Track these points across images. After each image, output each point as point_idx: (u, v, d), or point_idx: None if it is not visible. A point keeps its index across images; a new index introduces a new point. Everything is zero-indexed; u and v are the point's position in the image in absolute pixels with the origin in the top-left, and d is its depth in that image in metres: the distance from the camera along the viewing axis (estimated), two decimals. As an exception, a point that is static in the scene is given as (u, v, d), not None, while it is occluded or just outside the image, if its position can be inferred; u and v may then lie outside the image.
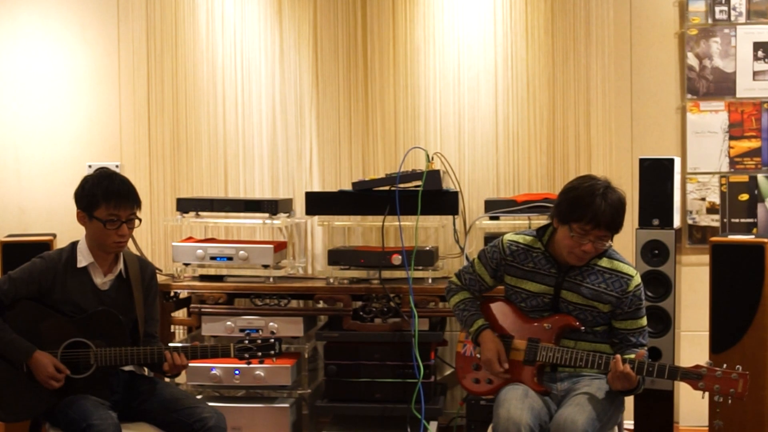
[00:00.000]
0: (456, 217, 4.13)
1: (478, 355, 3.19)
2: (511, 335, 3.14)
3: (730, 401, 2.81)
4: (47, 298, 3.11)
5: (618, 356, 2.90)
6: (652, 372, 2.87)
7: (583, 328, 3.06)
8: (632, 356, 2.92)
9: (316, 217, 4.35)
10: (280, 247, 4.16)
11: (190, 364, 3.21)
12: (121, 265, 3.22)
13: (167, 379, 3.29)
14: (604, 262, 3.08)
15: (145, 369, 3.36)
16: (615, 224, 2.96)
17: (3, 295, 3.08)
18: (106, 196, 3.08)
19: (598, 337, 3.09)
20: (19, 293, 3.09)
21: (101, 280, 3.18)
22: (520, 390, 2.99)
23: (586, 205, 2.92)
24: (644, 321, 3.09)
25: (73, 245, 3.20)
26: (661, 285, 3.83)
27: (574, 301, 3.07)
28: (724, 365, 2.84)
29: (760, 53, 4.36)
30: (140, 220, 3.19)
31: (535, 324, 3.11)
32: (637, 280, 3.07)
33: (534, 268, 3.13)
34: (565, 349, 3.03)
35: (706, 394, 2.85)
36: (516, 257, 3.16)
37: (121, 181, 3.16)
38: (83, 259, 3.16)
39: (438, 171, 3.93)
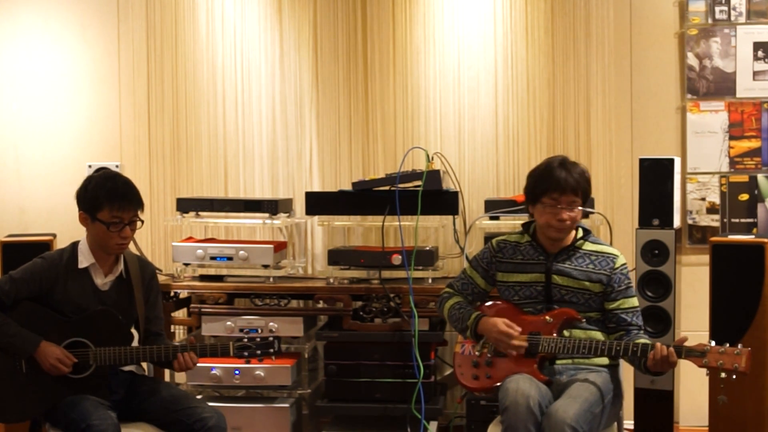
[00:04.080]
0: (456, 217, 4.13)
1: (477, 353, 3.20)
2: None
3: (734, 377, 2.85)
4: (48, 298, 3.11)
5: (659, 344, 2.92)
6: (681, 353, 2.89)
7: (584, 320, 3.10)
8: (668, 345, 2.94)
9: (316, 217, 4.34)
10: (280, 247, 4.16)
11: (197, 362, 3.22)
12: (121, 266, 3.22)
13: (168, 378, 3.29)
14: (588, 246, 3.20)
15: (144, 367, 3.37)
16: (579, 187, 3.11)
17: (4, 295, 3.08)
18: (109, 199, 3.08)
19: (591, 324, 3.14)
20: (20, 293, 3.09)
21: (102, 281, 3.18)
22: (525, 375, 3.02)
23: (547, 176, 3.11)
24: (636, 301, 3.17)
25: (74, 246, 3.20)
26: (661, 285, 3.83)
27: (565, 284, 3.14)
28: (727, 344, 2.86)
29: (760, 53, 4.36)
30: (142, 222, 3.19)
31: (536, 319, 3.13)
32: (622, 259, 3.19)
33: (523, 260, 3.22)
34: (567, 339, 3.05)
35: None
36: (505, 253, 3.26)
37: (125, 182, 3.15)
38: (84, 259, 3.16)
39: (438, 171, 3.93)
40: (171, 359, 3.15)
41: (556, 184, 3.08)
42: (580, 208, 3.13)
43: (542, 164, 3.19)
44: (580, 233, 3.21)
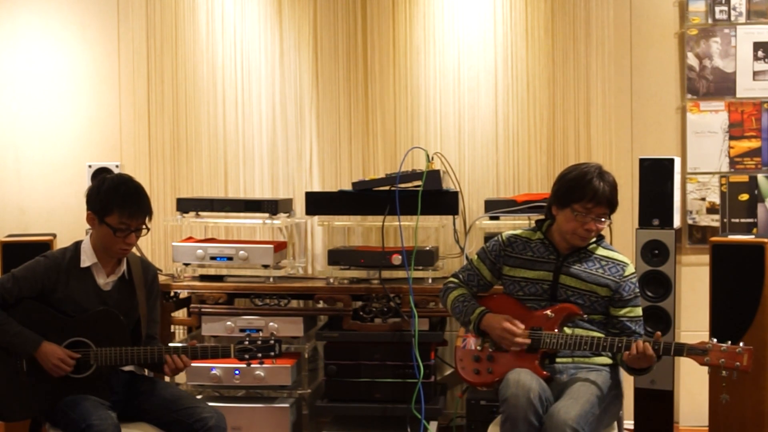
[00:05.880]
0: (456, 217, 4.13)
1: (479, 347, 3.21)
2: None
3: (735, 375, 2.87)
4: (49, 297, 3.11)
5: (639, 341, 2.94)
6: (658, 350, 2.93)
7: (585, 316, 3.11)
8: (650, 339, 2.97)
9: (316, 217, 4.34)
10: (280, 247, 4.16)
11: (191, 364, 3.21)
12: (124, 267, 3.22)
13: (167, 379, 3.29)
14: (601, 251, 3.21)
15: (145, 369, 3.36)
16: (613, 201, 3.11)
17: (7, 293, 3.08)
18: (120, 205, 3.07)
19: (594, 325, 3.15)
20: (22, 292, 3.09)
21: (104, 281, 3.18)
22: (527, 370, 3.02)
23: (585, 184, 3.08)
24: (640, 311, 3.19)
25: (77, 245, 3.20)
26: (661, 285, 3.83)
27: (573, 285, 3.14)
28: (729, 342, 2.86)
29: (760, 53, 4.36)
30: (149, 229, 3.18)
31: (537, 314, 3.13)
32: (632, 268, 3.20)
33: (533, 257, 3.22)
34: (569, 335, 3.06)
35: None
36: (515, 248, 3.26)
37: (137, 189, 3.14)
38: (87, 259, 3.16)
39: (438, 171, 3.93)
40: (159, 362, 3.14)
41: (593, 194, 3.06)
42: (604, 219, 3.11)
43: (577, 169, 3.15)
44: (594, 237, 3.20)
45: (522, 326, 3.10)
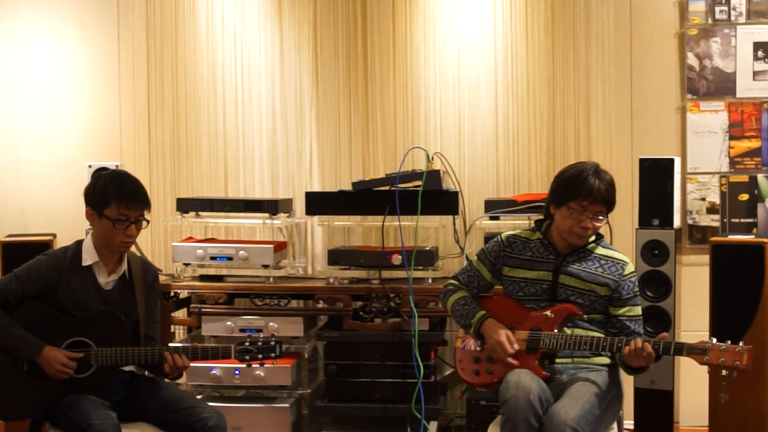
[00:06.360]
0: (456, 217, 4.13)
1: (478, 348, 3.21)
2: (512, 327, 3.15)
3: (735, 374, 2.87)
4: (51, 295, 3.11)
5: (638, 339, 2.95)
6: (658, 349, 2.92)
7: (585, 316, 3.11)
8: (649, 339, 2.97)
9: (316, 217, 4.35)
10: (280, 247, 4.16)
11: (190, 365, 3.21)
12: (125, 266, 3.23)
13: (167, 380, 3.28)
14: (600, 250, 3.20)
15: (146, 371, 3.36)
16: (609, 199, 3.11)
17: (10, 294, 3.08)
18: (117, 196, 3.09)
19: (593, 325, 3.15)
20: (25, 292, 3.09)
21: (105, 280, 3.19)
22: (527, 371, 3.02)
23: (580, 182, 3.08)
24: (640, 310, 3.19)
25: (78, 243, 3.21)
26: (661, 285, 3.83)
27: (572, 285, 3.14)
28: (728, 341, 2.87)
29: (760, 53, 4.36)
30: (148, 222, 3.19)
31: (537, 314, 3.13)
32: (631, 267, 3.19)
33: (532, 257, 3.22)
34: (568, 335, 3.06)
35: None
36: (514, 248, 3.26)
37: (133, 182, 3.17)
38: (88, 257, 3.16)
39: (438, 171, 3.93)
40: (159, 362, 3.14)
41: (588, 192, 3.06)
42: (601, 217, 3.11)
43: (574, 168, 3.15)
44: (593, 237, 3.20)
45: (517, 346, 3.08)
